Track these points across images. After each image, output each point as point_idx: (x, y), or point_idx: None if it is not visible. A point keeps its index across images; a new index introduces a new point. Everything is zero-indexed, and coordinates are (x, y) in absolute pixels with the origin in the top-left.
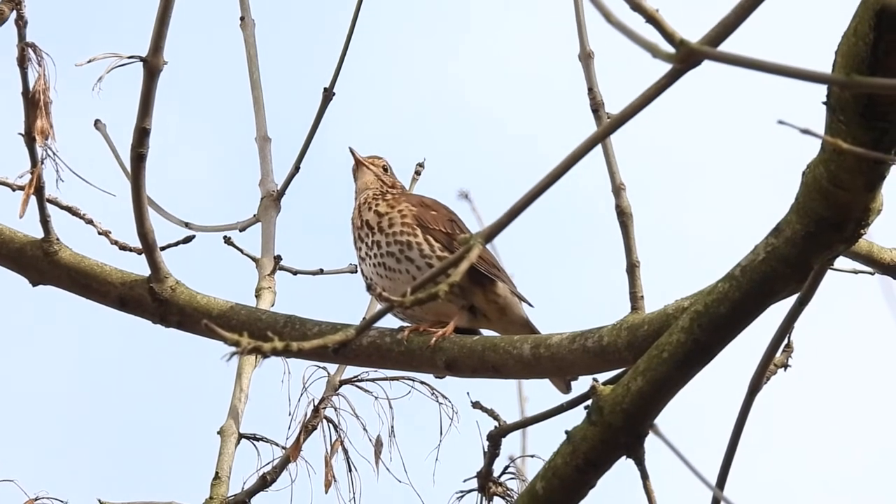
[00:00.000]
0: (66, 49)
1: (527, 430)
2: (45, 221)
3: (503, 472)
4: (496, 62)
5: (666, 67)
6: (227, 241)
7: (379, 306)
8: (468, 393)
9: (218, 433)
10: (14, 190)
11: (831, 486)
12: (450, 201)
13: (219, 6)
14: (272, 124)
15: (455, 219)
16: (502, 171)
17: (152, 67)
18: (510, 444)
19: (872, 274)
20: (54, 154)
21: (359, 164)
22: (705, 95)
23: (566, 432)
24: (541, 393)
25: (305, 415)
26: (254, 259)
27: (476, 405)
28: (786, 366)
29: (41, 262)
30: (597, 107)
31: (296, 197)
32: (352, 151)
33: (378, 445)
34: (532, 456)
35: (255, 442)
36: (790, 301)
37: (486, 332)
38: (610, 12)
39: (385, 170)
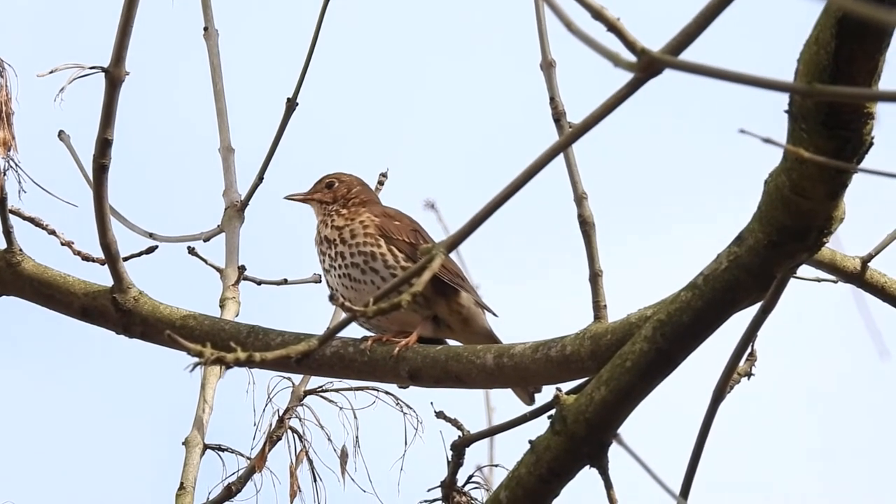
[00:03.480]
0: (27, 60)
1: (494, 440)
2: (7, 232)
3: (467, 482)
4: (459, 70)
5: (628, 76)
6: (191, 251)
7: (343, 316)
8: (432, 403)
9: (183, 444)
10: None
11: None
12: (415, 211)
13: (182, 16)
14: (235, 135)
15: (418, 228)
16: (466, 180)
17: (114, 78)
18: (477, 453)
19: (835, 282)
20: (16, 165)
21: (305, 202)
22: (667, 104)
23: (530, 442)
24: (508, 403)
25: (270, 425)
26: (218, 269)
27: (440, 415)
28: (749, 374)
29: (4, 273)
30: (559, 116)
31: (260, 207)
32: (290, 199)
33: (343, 456)
34: (496, 465)
35: (219, 452)
36: (753, 310)
37: (450, 343)
38: (571, 21)
39: (329, 186)
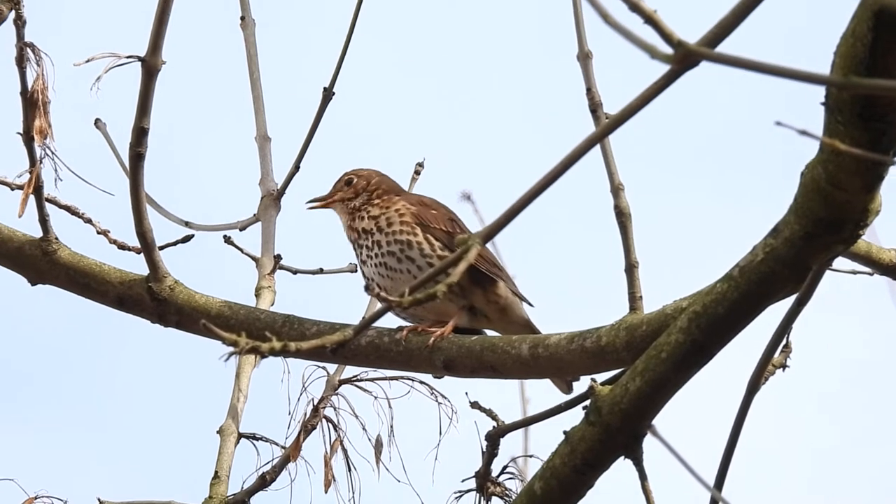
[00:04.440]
0: (64, 49)
1: (529, 431)
2: (43, 220)
3: (501, 472)
4: (496, 61)
5: (664, 68)
6: (227, 240)
7: (378, 306)
8: (466, 393)
9: (217, 433)
10: (13, 189)
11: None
12: (451, 201)
13: (219, 6)
14: (272, 123)
15: (455, 218)
16: (501, 171)
17: (151, 67)
18: (512, 444)
19: (871, 274)
20: (53, 153)
21: (327, 207)
22: (704, 96)
23: (564, 433)
24: (543, 393)
25: (305, 414)
26: (253, 258)
27: (475, 405)
28: (784, 366)
29: (40, 262)
30: (595, 107)
31: (296, 196)
32: (312, 207)
33: (378, 445)
34: (531, 456)
35: (254, 441)
36: (789, 301)
37: (486, 332)
38: (608, 13)
39: (349, 183)
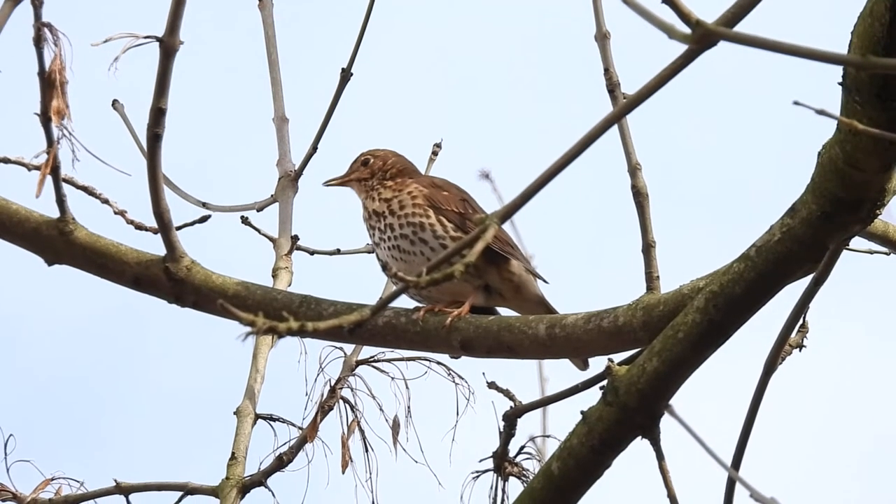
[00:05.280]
0: (82, 29)
1: (547, 411)
2: (60, 201)
3: (519, 453)
4: (513, 43)
5: (682, 48)
6: (245, 220)
7: (395, 286)
8: (484, 373)
9: (234, 413)
10: (30, 170)
11: (846, 467)
12: (469, 181)
13: None
14: (290, 104)
15: (467, 198)
16: (519, 151)
17: (168, 47)
18: (530, 424)
19: (888, 254)
20: (70, 134)
21: (344, 185)
22: (722, 76)
23: (582, 413)
24: (561, 373)
25: (322, 395)
26: (271, 239)
27: (492, 385)
28: (801, 346)
29: (57, 242)
30: (613, 87)
31: (313, 177)
32: (329, 185)
33: (395, 426)
34: (549, 436)
35: (271, 422)
36: (805, 281)
37: (502, 311)
38: None
39: (365, 163)
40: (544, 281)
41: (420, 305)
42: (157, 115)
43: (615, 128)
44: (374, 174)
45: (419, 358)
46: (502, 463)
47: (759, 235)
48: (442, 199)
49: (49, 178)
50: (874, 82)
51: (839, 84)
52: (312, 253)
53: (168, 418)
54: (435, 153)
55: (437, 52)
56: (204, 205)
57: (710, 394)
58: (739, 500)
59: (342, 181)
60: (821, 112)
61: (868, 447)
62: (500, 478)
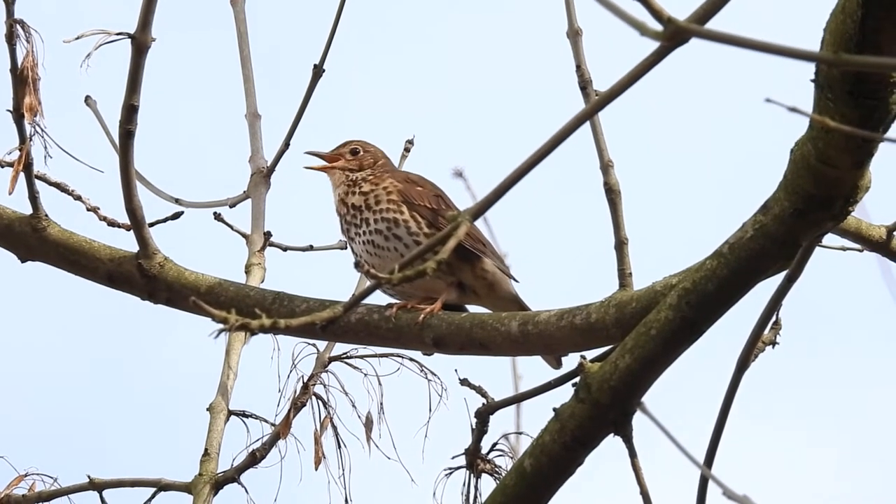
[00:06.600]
0: (54, 26)
1: (520, 407)
2: (33, 198)
3: (491, 449)
4: (486, 38)
5: (654, 45)
6: (217, 217)
7: (368, 283)
8: (456, 370)
9: (207, 410)
10: (3, 166)
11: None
12: (442, 179)
13: None
14: (262, 101)
15: (441, 194)
16: (491, 148)
17: (140, 44)
18: (504, 421)
19: (861, 251)
20: (43, 131)
21: (326, 171)
22: (693, 73)
23: (554, 409)
24: (535, 370)
25: (295, 391)
26: (243, 235)
27: (464, 382)
28: (774, 343)
29: (30, 238)
30: (585, 84)
31: (286, 173)
32: (313, 154)
33: (368, 422)
34: (521, 433)
35: (244, 419)
36: (778, 278)
37: (475, 309)
38: None
39: (354, 153)
40: (515, 280)
41: (393, 302)
42: (130, 111)
43: (587, 125)
44: (362, 168)
45: (392, 354)
46: (475, 460)
47: (732, 232)
48: (415, 194)
49: (22, 175)
50: (846, 79)
51: (812, 81)
52: (285, 249)
53: (141, 414)
54: (407, 150)
55: (410, 48)
56: (177, 201)
57: (683, 391)
58: (712, 498)
59: (326, 168)
60: (793, 109)
61: (843, 443)
62: (472, 474)
